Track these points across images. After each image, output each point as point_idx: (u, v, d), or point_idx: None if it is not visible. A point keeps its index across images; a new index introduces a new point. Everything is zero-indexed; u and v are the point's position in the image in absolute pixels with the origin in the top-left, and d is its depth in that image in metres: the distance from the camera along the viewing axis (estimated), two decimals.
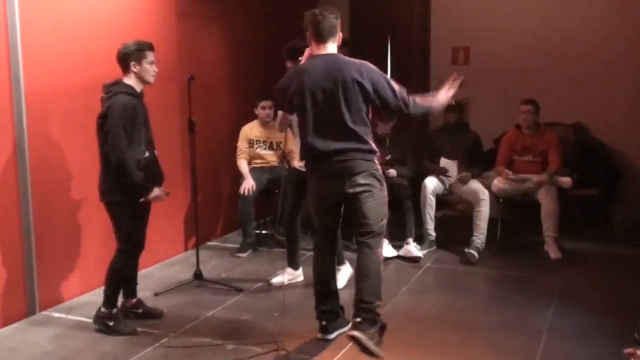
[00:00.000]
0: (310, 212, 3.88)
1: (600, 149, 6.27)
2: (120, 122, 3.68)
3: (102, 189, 3.85)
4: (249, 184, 5.47)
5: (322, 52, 3.50)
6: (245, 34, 6.24)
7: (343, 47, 3.98)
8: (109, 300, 3.89)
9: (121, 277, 3.95)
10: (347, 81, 3.38)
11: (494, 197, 5.65)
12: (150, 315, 4.11)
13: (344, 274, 4.61)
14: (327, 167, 3.49)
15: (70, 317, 4.09)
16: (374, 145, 3.50)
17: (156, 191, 3.91)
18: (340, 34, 3.56)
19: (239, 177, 5.63)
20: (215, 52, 5.89)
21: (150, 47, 3.86)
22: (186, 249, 5.60)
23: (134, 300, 4.13)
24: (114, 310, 3.91)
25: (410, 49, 6.95)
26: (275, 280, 4.72)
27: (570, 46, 6.41)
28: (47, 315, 4.14)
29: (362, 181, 3.43)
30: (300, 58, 3.98)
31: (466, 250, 5.30)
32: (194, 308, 4.29)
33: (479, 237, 5.36)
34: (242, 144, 5.68)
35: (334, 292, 3.78)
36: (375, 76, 3.45)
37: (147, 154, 3.86)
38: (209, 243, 5.84)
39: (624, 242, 5.74)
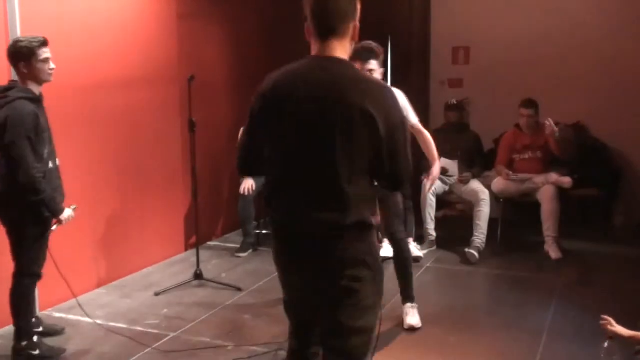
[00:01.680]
0: None
1: (600, 149, 6.27)
2: (23, 133, 3.24)
3: (3, 208, 3.43)
4: (248, 184, 5.48)
5: (323, 54, 2.19)
6: (245, 34, 6.23)
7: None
8: (24, 331, 3.51)
9: (30, 303, 3.56)
10: (351, 110, 2.08)
11: (494, 197, 5.65)
12: (51, 332, 3.82)
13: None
14: (299, 247, 2.21)
15: (70, 317, 4.09)
16: (375, 215, 2.24)
17: (68, 211, 3.51)
18: (357, 25, 2.23)
19: (239, 177, 5.63)
20: (215, 52, 5.89)
21: (43, 44, 3.37)
22: (186, 249, 5.60)
23: (33, 319, 3.69)
24: (35, 339, 3.54)
25: (410, 49, 6.95)
26: None
27: (570, 46, 6.41)
28: (47, 315, 4.13)
29: (350, 273, 2.15)
30: (372, 60, 3.67)
31: (466, 250, 5.30)
32: (194, 308, 4.29)
33: (479, 237, 5.36)
34: None
35: None
36: (396, 117, 2.16)
37: (50, 164, 3.44)
38: (209, 243, 5.84)
39: (624, 242, 5.74)
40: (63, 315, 4.13)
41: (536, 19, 6.50)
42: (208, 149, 5.65)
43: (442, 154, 5.71)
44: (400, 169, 2.19)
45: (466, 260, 5.25)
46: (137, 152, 4.97)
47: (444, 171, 5.67)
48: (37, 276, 3.56)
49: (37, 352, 3.51)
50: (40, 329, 3.76)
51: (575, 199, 5.78)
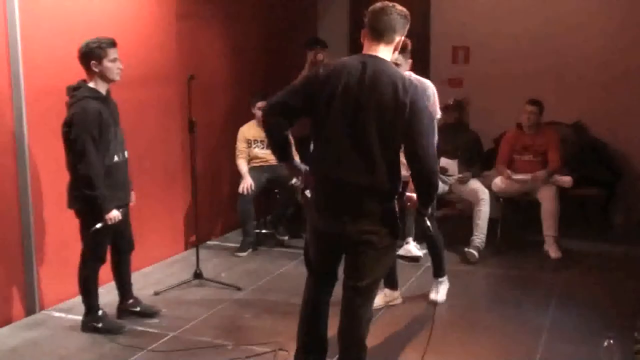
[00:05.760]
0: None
1: (600, 148, 6.27)
2: (86, 131, 3.52)
3: (71, 195, 3.72)
4: (247, 183, 5.48)
5: (368, 52, 2.80)
6: (245, 34, 6.23)
7: (402, 53, 3.55)
8: (90, 306, 3.88)
9: (93, 282, 3.86)
10: (383, 98, 2.68)
11: (494, 197, 5.65)
12: (147, 313, 4.11)
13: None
14: (335, 201, 2.81)
15: (70, 316, 4.09)
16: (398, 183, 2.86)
17: (114, 212, 3.69)
18: (403, 39, 2.86)
19: (239, 177, 5.63)
20: (215, 52, 5.88)
21: (112, 44, 3.64)
22: (186, 248, 5.60)
23: (131, 300, 4.13)
24: (100, 313, 3.89)
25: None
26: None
27: (570, 46, 6.41)
28: (47, 315, 4.14)
29: (367, 227, 2.80)
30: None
31: (466, 249, 5.30)
32: (194, 307, 4.29)
33: (479, 236, 5.35)
34: (240, 145, 5.68)
35: (320, 338, 3.13)
36: (420, 103, 2.72)
37: (115, 158, 3.72)
38: (209, 242, 5.84)
39: (624, 242, 5.74)
40: (63, 315, 4.13)
41: (536, 18, 6.50)
42: (208, 149, 5.65)
43: (441, 153, 5.74)
44: (420, 136, 2.68)
45: (466, 259, 5.25)
46: (137, 151, 4.94)
47: (443, 171, 5.68)
48: (99, 261, 3.86)
49: (100, 325, 3.84)
50: (138, 309, 4.10)
51: (575, 199, 5.78)
